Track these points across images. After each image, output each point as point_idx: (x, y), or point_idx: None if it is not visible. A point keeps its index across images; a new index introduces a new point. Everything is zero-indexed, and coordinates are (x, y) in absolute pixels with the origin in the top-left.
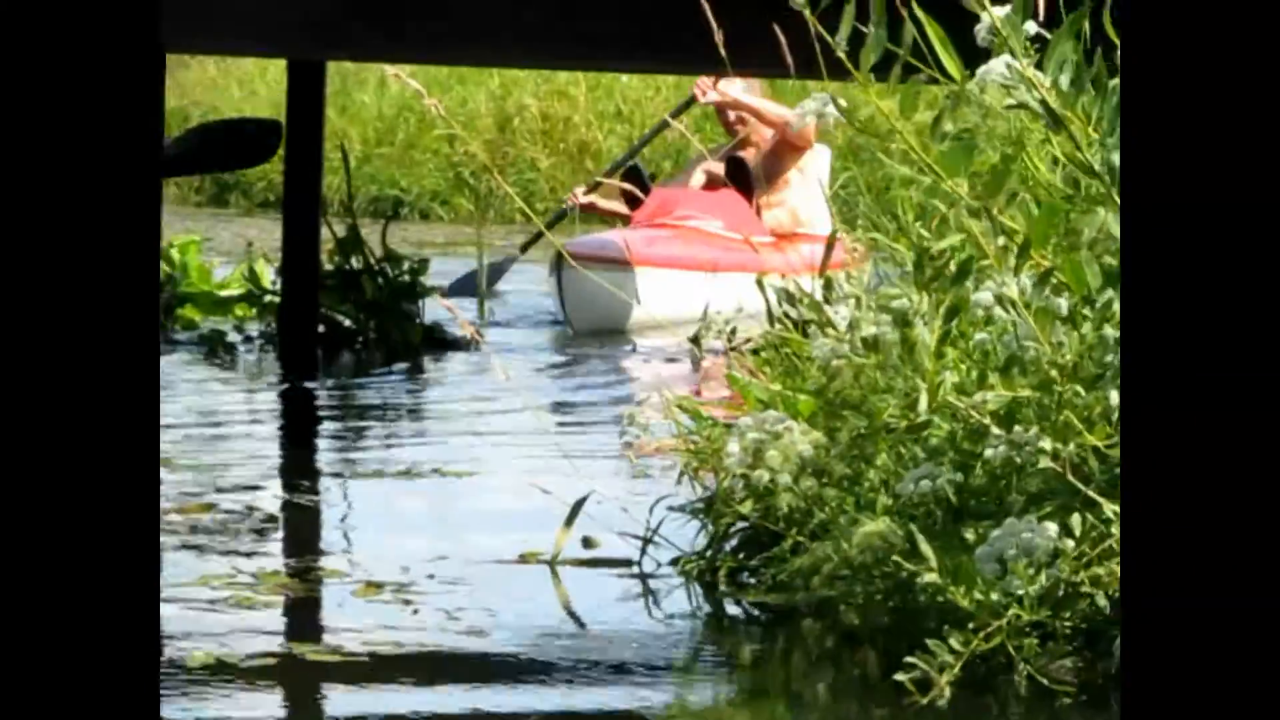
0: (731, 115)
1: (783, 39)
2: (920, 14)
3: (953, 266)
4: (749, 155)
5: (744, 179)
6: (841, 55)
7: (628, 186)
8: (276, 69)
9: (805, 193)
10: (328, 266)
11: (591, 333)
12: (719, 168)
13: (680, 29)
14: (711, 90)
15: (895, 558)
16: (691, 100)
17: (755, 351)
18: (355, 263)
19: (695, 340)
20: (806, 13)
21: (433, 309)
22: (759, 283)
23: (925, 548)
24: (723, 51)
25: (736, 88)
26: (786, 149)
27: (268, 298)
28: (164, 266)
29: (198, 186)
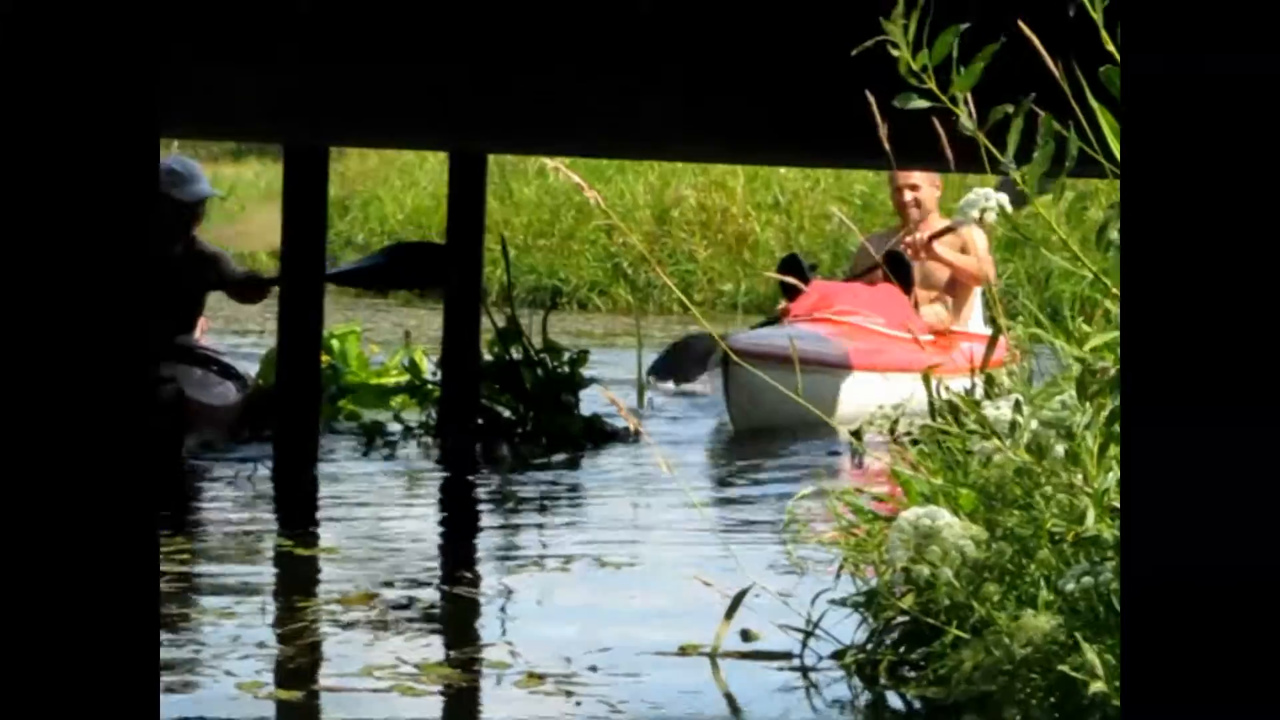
0: (907, 196)
1: (942, 132)
2: (1095, 104)
3: (1113, 370)
4: (909, 245)
5: (903, 275)
6: (1012, 172)
7: (790, 280)
8: (436, 159)
9: (963, 290)
10: (487, 357)
11: (756, 431)
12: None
13: (837, 121)
14: (923, 251)
15: (1057, 656)
16: (897, 259)
17: (916, 444)
18: (515, 354)
19: (857, 434)
20: (979, 135)
21: (592, 398)
22: (925, 378)
23: (1089, 652)
24: (886, 145)
25: (917, 178)
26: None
27: (427, 388)
28: (325, 356)
29: None
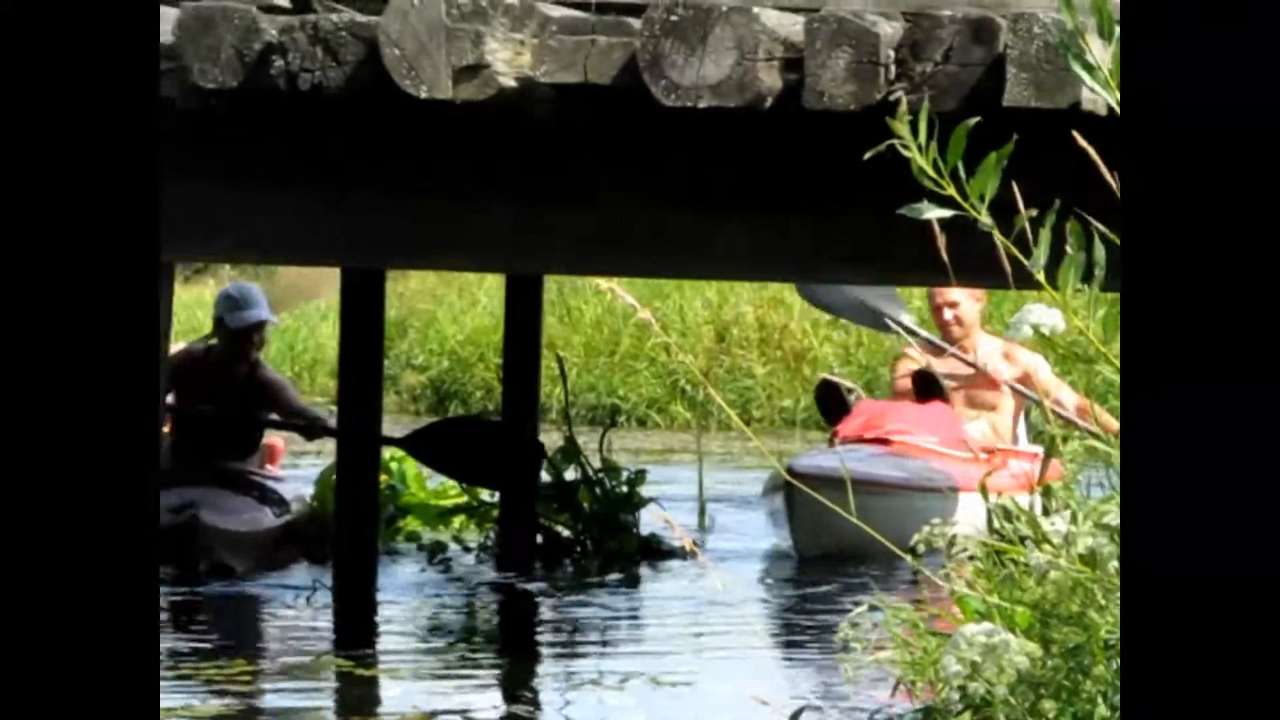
0: (948, 315)
1: (1003, 251)
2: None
3: None
4: (943, 363)
5: (934, 394)
6: (1039, 276)
7: (834, 402)
8: (495, 277)
9: (1009, 407)
10: (545, 477)
11: (824, 555)
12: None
13: (893, 239)
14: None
15: None
16: (927, 378)
17: (973, 559)
18: (573, 473)
19: (912, 551)
20: (997, 235)
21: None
22: (982, 490)
23: None
24: (945, 259)
25: (956, 294)
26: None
27: (485, 508)
28: (384, 476)
29: (417, 395)
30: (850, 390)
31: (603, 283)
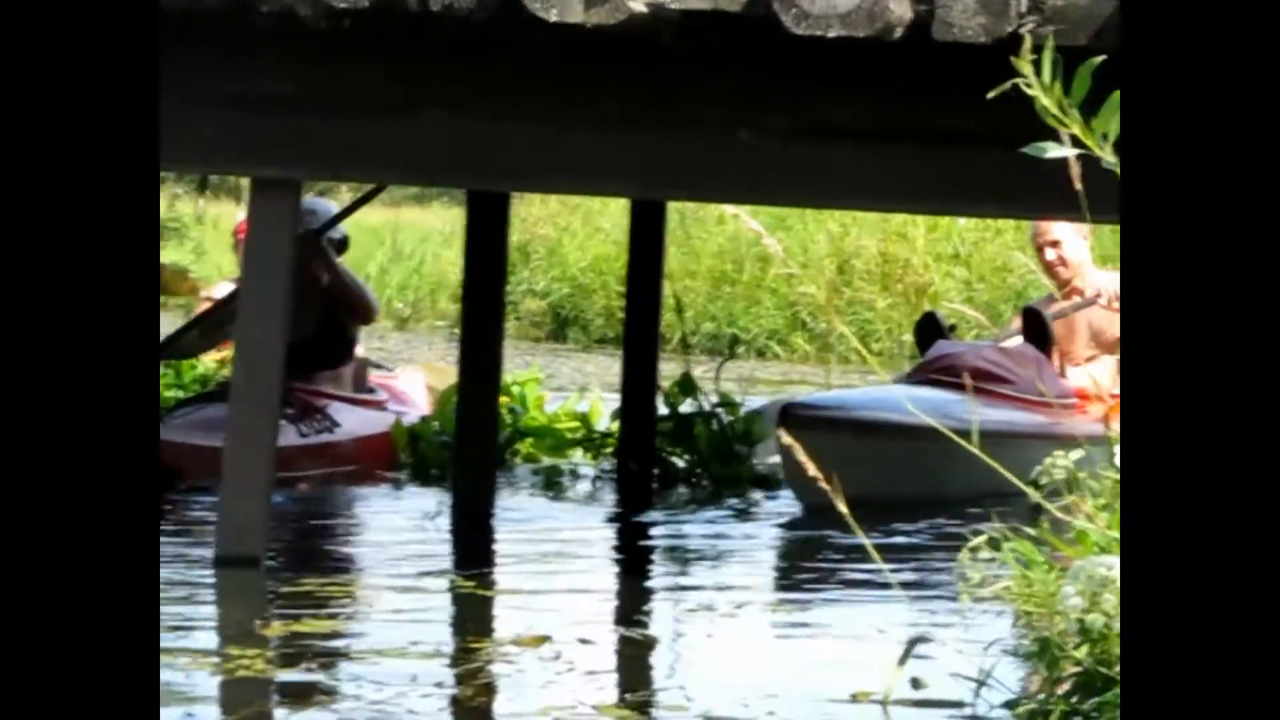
0: (1050, 255)
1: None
2: None
3: None
4: (1060, 307)
5: (1041, 333)
6: None
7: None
8: (618, 204)
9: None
10: (663, 409)
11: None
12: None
13: (1021, 173)
14: (1104, 294)
15: None
16: (1034, 316)
17: (1094, 495)
18: (689, 406)
19: (1034, 483)
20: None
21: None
22: (1108, 430)
23: None
24: (1079, 189)
25: (1058, 232)
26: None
27: (602, 438)
28: (503, 399)
29: (538, 320)
30: (953, 327)
31: (729, 209)
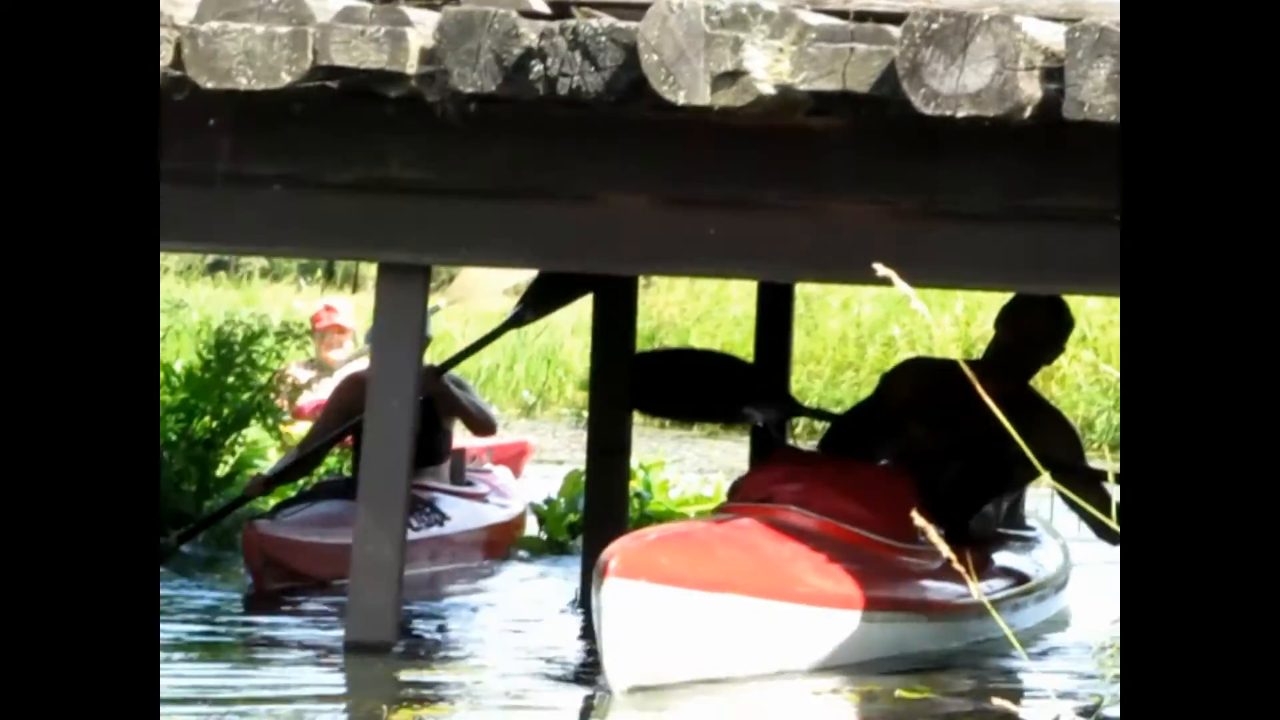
0: None
1: None
2: None
3: None
4: None
5: None
6: None
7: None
8: (743, 289)
9: None
10: None
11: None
12: None
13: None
14: None
15: None
16: None
17: None
18: None
19: None
20: None
21: None
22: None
23: None
24: None
25: None
26: None
27: None
28: (633, 484)
29: None
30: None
31: (880, 269)
